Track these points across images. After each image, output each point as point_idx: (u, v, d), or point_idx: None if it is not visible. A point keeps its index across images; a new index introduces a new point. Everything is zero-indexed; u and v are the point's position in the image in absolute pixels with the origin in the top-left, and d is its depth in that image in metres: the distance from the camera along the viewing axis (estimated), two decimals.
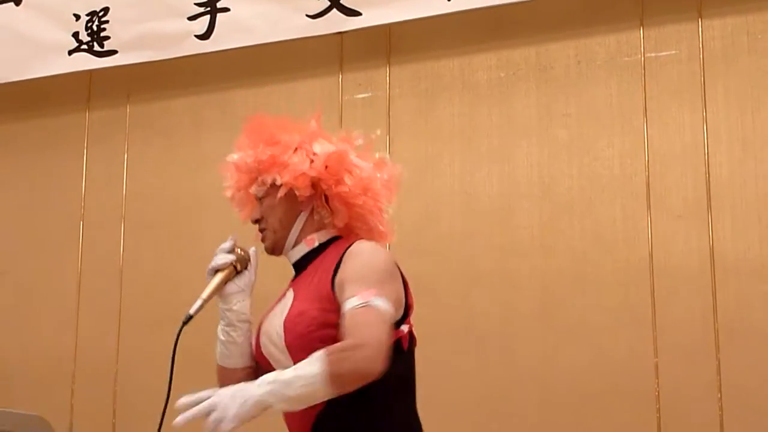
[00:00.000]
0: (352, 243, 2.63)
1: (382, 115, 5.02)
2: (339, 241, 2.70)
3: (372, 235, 2.75)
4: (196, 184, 5.35)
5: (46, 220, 5.72)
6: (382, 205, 2.76)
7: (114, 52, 5.43)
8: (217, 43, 5.19)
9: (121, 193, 5.55)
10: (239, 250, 2.74)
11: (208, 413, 2.33)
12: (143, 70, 5.50)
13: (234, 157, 2.77)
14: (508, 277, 4.63)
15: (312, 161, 2.65)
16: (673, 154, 4.47)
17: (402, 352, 2.60)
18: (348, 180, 2.66)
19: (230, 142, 5.31)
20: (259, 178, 2.70)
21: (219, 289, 2.73)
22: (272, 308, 2.73)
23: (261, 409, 2.33)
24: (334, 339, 2.44)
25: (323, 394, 2.36)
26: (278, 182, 2.67)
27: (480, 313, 4.64)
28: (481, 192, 4.78)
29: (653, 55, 4.57)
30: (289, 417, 2.62)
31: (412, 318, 2.69)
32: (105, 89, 5.68)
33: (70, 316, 5.51)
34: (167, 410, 2.59)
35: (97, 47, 5.46)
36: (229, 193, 2.84)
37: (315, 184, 2.67)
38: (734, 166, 4.38)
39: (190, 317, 2.72)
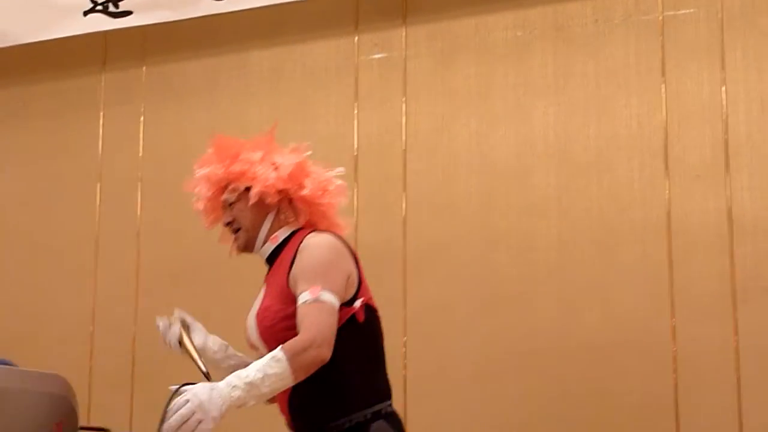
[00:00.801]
0: (304, 237, 3.03)
1: (398, 75, 5.00)
2: (298, 233, 3.09)
3: (333, 228, 3.15)
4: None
5: (64, 182, 5.73)
6: (337, 202, 3.19)
7: (129, 12, 5.41)
8: (233, 3, 5.16)
9: (138, 155, 5.55)
10: (168, 320, 3.25)
11: (190, 415, 2.66)
12: (159, 31, 5.48)
13: (203, 171, 3.20)
14: (525, 238, 4.63)
15: (277, 170, 3.09)
16: (691, 113, 4.45)
17: (358, 325, 2.97)
18: (308, 184, 3.11)
19: (246, 103, 5.36)
20: (230, 187, 3.13)
21: (193, 347, 3.18)
22: (254, 303, 3.15)
23: (236, 407, 2.73)
24: (295, 327, 2.86)
25: (289, 384, 2.80)
26: (249, 190, 3.09)
27: (497, 273, 4.64)
28: (498, 153, 4.76)
29: (671, 13, 4.53)
30: None
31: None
32: (120, 51, 5.67)
33: (89, 277, 5.54)
34: None
35: (112, 8, 5.44)
36: (200, 204, 3.28)
37: (280, 190, 3.10)
38: (752, 125, 4.36)
39: (207, 374, 3.09)
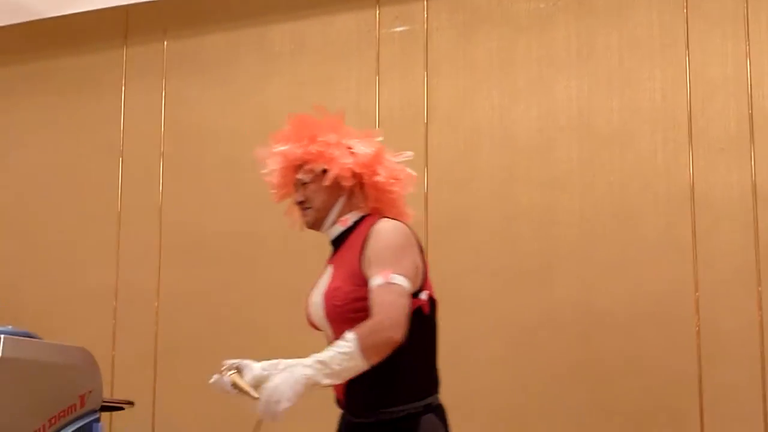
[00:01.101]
0: (376, 223, 3.11)
1: (419, 48, 4.98)
2: (367, 219, 3.19)
3: (399, 216, 3.23)
4: (234, 119, 5.35)
5: (86, 157, 5.75)
6: (406, 192, 3.28)
7: None
8: None
9: (160, 129, 5.55)
10: (219, 375, 3.06)
11: (268, 400, 2.80)
12: (180, 5, 5.48)
13: (281, 148, 3.25)
14: (547, 212, 4.61)
15: (354, 155, 3.18)
16: (716, 85, 4.41)
17: (423, 317, 3.05)
18: (382, 172, 3.20)
19: (268, 76, 5.35)
20: (306, 167, 3.20)
21: (246, 384, 3.01)
22: (317, 283, 3.20)
23: (310, 386, 2.82)
24: (366, 309, 2.95)
25: (362, 365, 2.86)
26: (325, 171, 3.17)
27: (519, 247, 4.63)
28: (520, 126, 4.74)
29: None
30: None
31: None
32: (142, 25, 5.67)
33: (111, 252, 5.56)
34: None
35: None
36: (272, 176, 3.32)
37: (355, 175, 3.18)
38: None
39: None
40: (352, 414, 3.10)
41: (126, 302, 5.49)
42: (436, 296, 3.14)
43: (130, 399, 4.83)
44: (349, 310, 3.00)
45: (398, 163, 3.27)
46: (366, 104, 5.05)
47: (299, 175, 3.22)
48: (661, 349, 4.33)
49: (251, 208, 5.23)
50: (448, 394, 4.60)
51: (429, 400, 3.04)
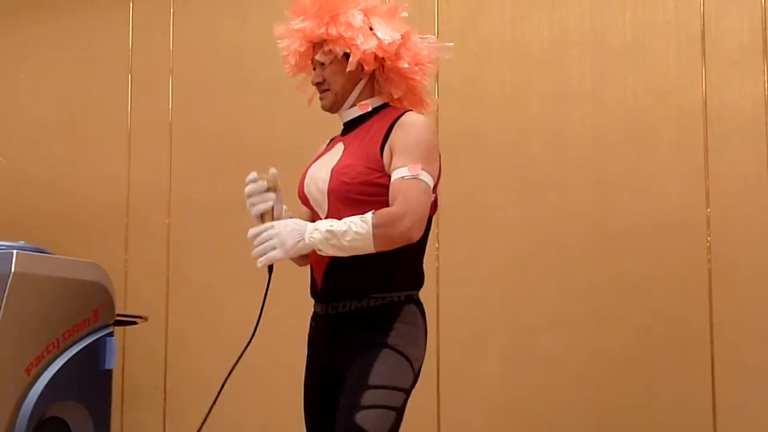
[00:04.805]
0: (403, 113, 3.01)
1: None
2: (388, 108, 3.09)
3: (420, 105, 3.17)
4: (243, 34, 5.32)
5: (95, 75, 5.73)
6: (427, 79, 3.15)
7: None
8: None
9: (169, 45, 5.52)
10: (265, 182, 3.00)
11: (268, 239, 2.83)
12: None
13: (300, 25, 3.07)
14: (559, 126, 4.59)
15: (378, 40, 3.01)
16: None
17: (428, 217, 2.96)
18: (405, 57, 3.06)
19: None
20: (326, 48, 3.05)
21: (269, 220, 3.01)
22: (319, 156, 3.15)
23: (310, 249, 2.82)
24: (371, 194, 2.90)
25: (368, 249, 2.80)
26: (347, 55, 3.02)
27: (530, 162, 4.62)
28: (532, 40, 4.70)
29: None
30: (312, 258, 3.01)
31: (439, 187, 3.02)
32: None
33: (122, 169, 5.57)
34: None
35: None
36: (289, 55, 3.15)
37: (377, 59, 3.05)
38: None
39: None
40: (329, 300, 2.99)
41: (138, 218, 5.52)
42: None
43: (144, 314, 4.89)
44: (355, 190, 2.91)
45: (422, 45, 3.11)
46: None
47: (317, 57, 3.07)
48: (671, 264, 4.34)
49: (261, 123, 5.22)
50: (459, 304, 4.65)
51: (412, 293, 2.98)
